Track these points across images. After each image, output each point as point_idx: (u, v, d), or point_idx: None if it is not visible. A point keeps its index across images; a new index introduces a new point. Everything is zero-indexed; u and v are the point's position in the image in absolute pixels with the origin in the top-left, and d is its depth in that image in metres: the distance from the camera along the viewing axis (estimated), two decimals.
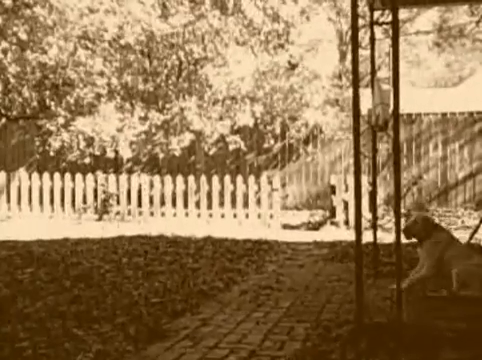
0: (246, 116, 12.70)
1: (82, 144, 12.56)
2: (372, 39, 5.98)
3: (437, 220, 12.44)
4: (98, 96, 12.74)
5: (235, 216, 12.00)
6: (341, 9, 21.92)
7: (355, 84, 4.22)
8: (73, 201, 12.71)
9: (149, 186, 12.36)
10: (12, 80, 12.73)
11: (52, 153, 13.14)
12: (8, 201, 13.08)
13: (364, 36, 17.75)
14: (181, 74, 13.36)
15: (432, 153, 14.59)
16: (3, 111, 14.32)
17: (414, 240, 5.01)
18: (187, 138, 12.90)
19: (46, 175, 12.96)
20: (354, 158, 4.23)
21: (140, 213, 12.39)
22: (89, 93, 12.61)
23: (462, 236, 8.74)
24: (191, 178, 12.28)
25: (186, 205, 12.18)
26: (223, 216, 12.06)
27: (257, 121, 13.48)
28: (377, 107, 5.31)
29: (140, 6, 12.00)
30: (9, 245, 8.67)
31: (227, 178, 12.15)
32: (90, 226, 11.39)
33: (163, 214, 12.27)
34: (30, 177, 13.03)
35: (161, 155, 13.54)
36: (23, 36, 12.13)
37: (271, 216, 11.81)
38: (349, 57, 18.71)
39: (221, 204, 12.06)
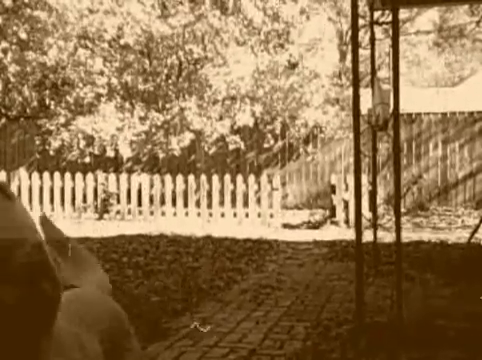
0: (246, 116, 12.70)
1: (82, 143, 12.57)
2: (372, 39, 5.99)
3: (437, 219, 12.47)
4: (98, 96, 12.74)
5: (235, 215, 12.00)
6: (341, 9, 21.95)
7: (355, 84, 4.22)
8: (73, 200, 12.72)
9: (149, 185, 12.37)
10: (12, 79, 12.73)
11: (52, 152, 13.15)
12: None
13: (364, 36, 17.75)
14: (181, 74, 13.37)
15: (432, 152, 14.59)
16: (3, 110, 14.34)
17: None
18: (187, 138, 12.90)
19: (46, 174, 12.96)
20: (354, 157, 4.24)
21: (140, 212, 12.40)
22: (89, 93, 12.61)
23: (462, 235, 8.75)
24: (191, 177, 12.28)
25: (186, 204, 12.19)
26: (223, 215, 12.07)
27: (257, 121, 13.49)
28: (377, 107, 5.32)
29: (140, 6, 12.01)
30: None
31: (227, 177, 12.15)
32: (90, 225, 11.39)
33: (163, 213, 12.28)
34: (30, 176, 13.04)
35: (161, 154, 13.54)
36: (23, 35, 12.14)
37: (271, 215, 11.82)
38: (349, 57, 18.71)
39: (221, 203, 12.06)
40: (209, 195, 12.07)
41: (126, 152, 12.67)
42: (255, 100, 12.89)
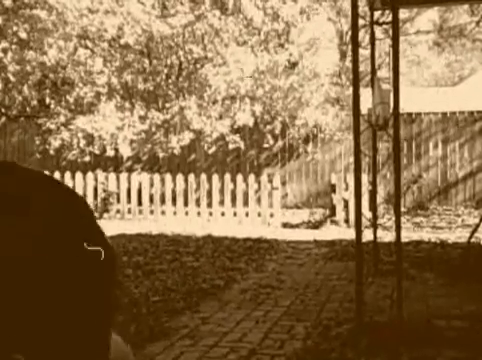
0: (246, 115, 12.71)
1: (82, 142, 12.57)
2: (372, 39, 6.00)
3: (437, 218, 12.47)
4: (98, 95, 12.74)
5: (235, 214, 12.00)
6: (341, 9, 21.94)
7: (355, 84, 4.23)
8: None
9: (149, 184, 12.37)
10: (12, 79, 12.73)
11: (52, 152, 13.14)
12: None
13: (364, 36, 17.74)
14: (181, 73, 13.36)
15: (432, 152, 14.59)
16: (3, 110, 14.33)
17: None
18: (187, 137, 12.90)
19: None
20: (354, 157, 4.25)
21: (140, 211, 12.39)
22: (89, 92, 12.61)
23: (462, 235, 8.75)
24: (191, 176, 12.28)
25: (186, 203, 12.19)
26: (223, 214, 12.06)
27: (257, 120, 13.49)
28: (377, 106, 5.32)
29: (140, 6, 12.01)
30: None
31: (227, 177, 12.15)
32: None
33: (163, 212, 12.28)
34: None
35: (161, 154, 13.53)
36: (23, 35, 12.14)
37: (271, 215, 11.81)
38: (349, 56, 18.71)
39: (221, 202, 12.05)
40: (209, 194, 12.07)
41: (126, 151, 12.67)
42: (255, 99, 12.89)
